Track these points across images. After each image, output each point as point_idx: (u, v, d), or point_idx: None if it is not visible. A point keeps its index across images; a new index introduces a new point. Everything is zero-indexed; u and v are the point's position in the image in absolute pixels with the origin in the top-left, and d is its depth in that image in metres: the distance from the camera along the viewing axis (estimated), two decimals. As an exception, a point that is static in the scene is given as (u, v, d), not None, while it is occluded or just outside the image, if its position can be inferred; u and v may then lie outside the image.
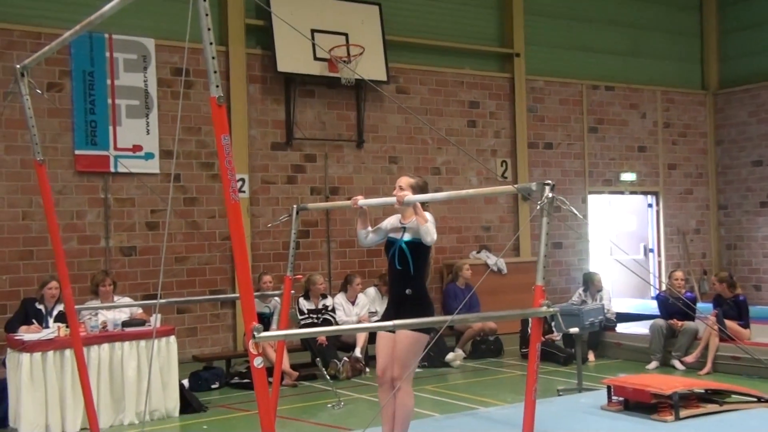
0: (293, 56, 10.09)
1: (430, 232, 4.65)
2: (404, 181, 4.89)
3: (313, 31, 10.17)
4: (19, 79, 4.74)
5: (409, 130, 11.41)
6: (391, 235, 4.91)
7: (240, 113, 9.94)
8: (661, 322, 8.82)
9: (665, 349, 8.74)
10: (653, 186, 13.94)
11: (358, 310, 9.36)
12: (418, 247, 4.74)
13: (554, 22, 12.87)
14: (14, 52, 8.70)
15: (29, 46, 8.73)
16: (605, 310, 9.07)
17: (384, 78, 10.74)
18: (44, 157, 5.07)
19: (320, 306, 9.08)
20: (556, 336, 9.24)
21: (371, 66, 10.45)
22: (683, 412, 5.87)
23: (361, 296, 9.50)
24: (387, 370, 4.81)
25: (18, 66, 4.78)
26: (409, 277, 4.78)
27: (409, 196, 4.67)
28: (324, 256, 10.69)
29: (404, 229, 4.83)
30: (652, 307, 10.47)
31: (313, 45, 9.97)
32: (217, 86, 3.22)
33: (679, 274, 9.31)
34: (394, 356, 4.78)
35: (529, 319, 4.45)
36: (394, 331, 4.78)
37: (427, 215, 4.74)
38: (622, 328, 9.75)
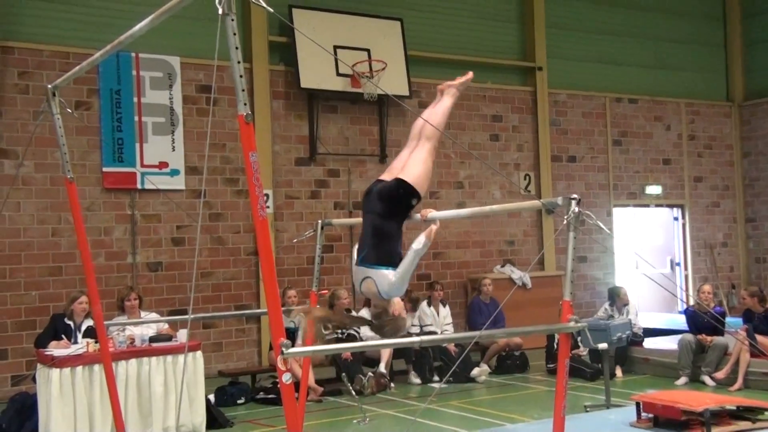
0: (316, 72, 10.16)
1: (421, 247, 4.29)
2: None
3: (335, 47, 10.24)
4: (50, 98, 4.82)
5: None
6: None
7: (264, 129, 10.02)
8: (689, 336, 8.71)
9: (694, 365, 8.63)
10: (679, 199, 13.80)
11: (382, 324, 9.34)
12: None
13: (576, 35, 12.85)
14: (44, 72, 8.86)
15: (58, 65, 8.88)
16: (632, 325, 8.99)
17: (406, 93, 10.77)
18: (74, 175, 5.14)
19: (345, 321, 9.08)
20: (583, 351, 9.16)
21: (393, 81, 10.49)
22: (715, 430, 5.78)
23: (385, 311, 9.48)
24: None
25: (49, 86, 4.87)
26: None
27: (433, 213, 4.62)
28: (348, 270, 10.70)
29: None
30: (679, 321, 10.35)
31: (336, 61, 10.04)
32: (245, 104, 3.25)
33: (707, 287, 9.19)
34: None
35: (556, 335, 4.43)
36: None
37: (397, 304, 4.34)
38: (649, 343, 9.65)
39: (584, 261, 12.41)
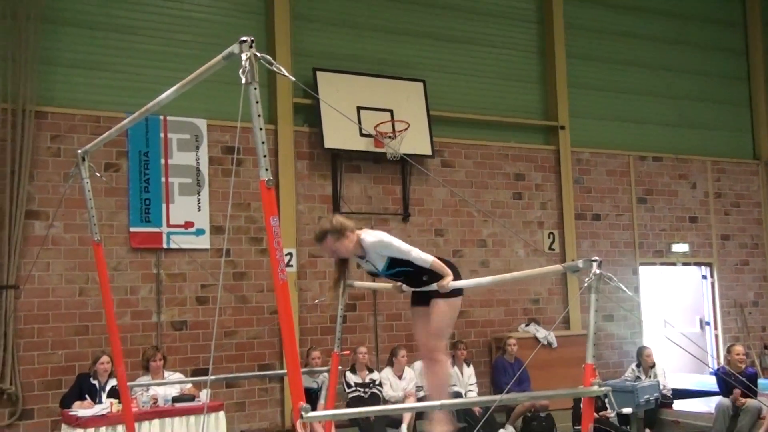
0: (340, 133, 10.32)
1: (421, 257, 4.61)
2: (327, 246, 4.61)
3: (359, 108, 10.43)
4: (80, 163, 4.96)
5: (455, 202, 11.47)
6: (367, 269, 4.81)
7: (288, 189, 10.15)
8: (726, 401, 8.47)
9: (727, 429, 8.39)
10: (707, 257, 13.63)
11: (404, 384, 9.27)
12: (396, 261, 4.63)
13: (599, 95, 12.94)
14: (75, 135, 9.11)
15: (89, 128, 9.13)
16: (661, 387, 8.80)
17: (429, 152, 10.88)
18: (101, 236, 5.25)
19: (367, 380, 9.02)
20: (610, 413, 8.96)
21: (416, 140, 10.62)
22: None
23: (408, 370, 9.42)
24: (424, 346, 4.82)
25: (79, 151, 5.01)
26: (417, 271, 4.66)
27: (452, 283, 4.66)
28: (371, 329, 10.67)
29: (368, 262, 4.71)
30: (710, 383, 10.10)
31: (359, 122, 10.20)
32: (267, 170, 3.33)
33: (738, 348, 9.00)
34: (429, 330, 4.75)
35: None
36: (427, 304, 4.76)
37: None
38: (679, 404, 9.42)
39: (611, 320, 12.24)
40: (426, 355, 4.87)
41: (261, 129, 3.33)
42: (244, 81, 3.26)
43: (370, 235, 4.57)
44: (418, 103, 11.00)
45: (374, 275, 4.85)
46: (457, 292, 4.77)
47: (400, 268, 4.63)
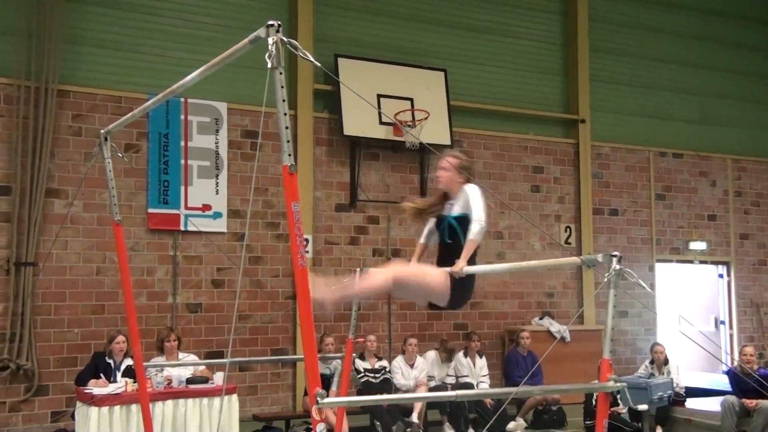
0: (359, 120, 10.31)
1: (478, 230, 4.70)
2: (445, 164, 4.91)
3: (379, 96, 10.40)
4: (102, 143, 4.98)
5: (473, 193, 11.40)
6: (442, 211, 4.95)
7: (306, 175, 10.15)
8: (732, 398, 8.43)
9: (740, 429, 8.34)
10: (724, 256, 13.52)
11: (416, 373, 9.28)
12: (466, 220, 4.74)
13: (620, 89, 12.83)
14: (96, 115, 9.15)
15: (110, 108, 9.17)
16: (674, 384, 8.76)
17: (448, 142, 10.83)
18: (120, 217, 5.27)
19: (377, 366, 9.05)
20: (622, 409, 8.92)
21: (435, 130, 10.58)
22: (759, 498, 5.56)
23: (420, 360, 9.43)
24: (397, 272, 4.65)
25: (102, 131, 5.03)
26: (459, 249, 4.70)
27: (466, 267, 4.63)
28: (384, 317, 10.68)
29: (451, 204, 4.89)
30: (724, 382, 10.04)
31: (379, 110, 10.17)
32: (290, 155, 3.31)
33: (749, 349, 8.91)
34: (415, 273, 4.67)
35: (595, 393, 4.37)
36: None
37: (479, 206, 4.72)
38: (692, 403, 9.36)
39: (625, 316, 12.19)
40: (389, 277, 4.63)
41: (285, 114, 3.32)
42: (270, 65, 3.24)
43: (475, 187, 4.86)
44: (438, 92, 10.96)
45: (438, 222, 4.95)
46: (458, 296, 4.70)
47: (458, 226, 4.76)
